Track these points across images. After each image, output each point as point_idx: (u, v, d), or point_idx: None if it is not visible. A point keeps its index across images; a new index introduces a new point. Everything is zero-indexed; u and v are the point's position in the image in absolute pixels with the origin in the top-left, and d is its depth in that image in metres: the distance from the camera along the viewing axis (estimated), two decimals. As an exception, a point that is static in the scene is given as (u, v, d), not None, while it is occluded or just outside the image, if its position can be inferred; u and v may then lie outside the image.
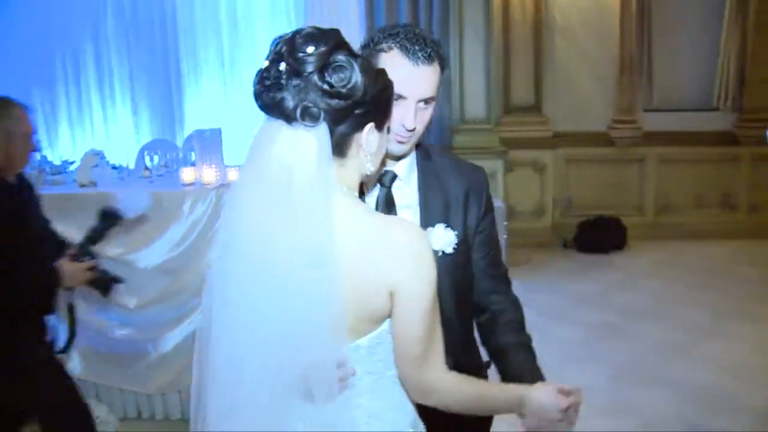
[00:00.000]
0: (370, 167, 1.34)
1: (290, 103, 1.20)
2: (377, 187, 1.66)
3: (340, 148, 1.27)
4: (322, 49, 1.21)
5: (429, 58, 1.50)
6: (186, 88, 5.79)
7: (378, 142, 1.34)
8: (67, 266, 2.49)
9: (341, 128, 1.25)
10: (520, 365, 1.65)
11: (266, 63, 1.25)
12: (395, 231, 1.30)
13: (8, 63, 6.01)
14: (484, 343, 1.78)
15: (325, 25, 1.31)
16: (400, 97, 1.49)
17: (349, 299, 1.25)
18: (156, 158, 3.85)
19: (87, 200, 3.53)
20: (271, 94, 1.22)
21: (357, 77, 1.22)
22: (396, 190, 1.66)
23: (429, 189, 1.67)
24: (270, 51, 1.25)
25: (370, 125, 1.30)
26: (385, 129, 1.38)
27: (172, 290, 3.35)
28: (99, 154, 3.71)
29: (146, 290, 3.35)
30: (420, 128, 1.56)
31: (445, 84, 5.83)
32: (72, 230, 3.44)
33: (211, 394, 1.26)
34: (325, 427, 1.32)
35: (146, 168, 3.83)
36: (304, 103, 1.20)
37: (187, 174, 3.54)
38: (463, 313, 1.72)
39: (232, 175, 3.48)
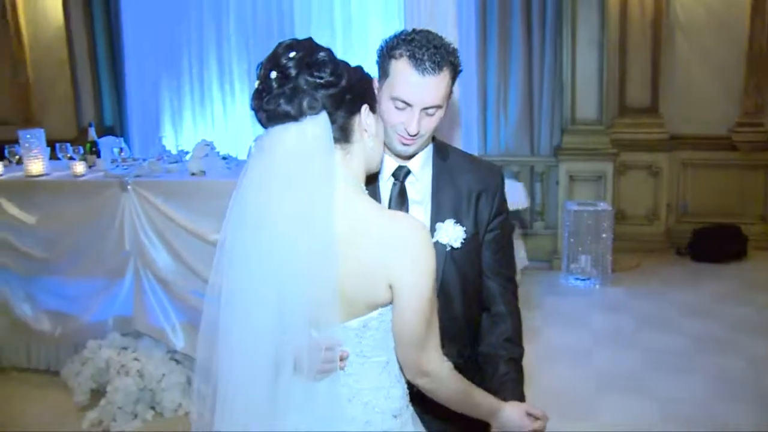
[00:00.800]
0: (371, 145, 1.44)
1: (289, 103, 1.33)
2: (391, 182, 1.74)
3: (344, 132, 1.39)
4: (302, 52, 1.34)
5: (437, 68, 1.55)
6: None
7: (375, 124, 1.45)
8: None
9: (340, 114, 1.37)
10: (502, 378, 1.71)
11: (257, 83, 1.37)
12: (397, 225, 1.38)
13: (141, 59, 6.52)
14: (478, 341, 1.82)
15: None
16: (406, 103, 1.58)
17: (347, 284, 1.35)
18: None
19: (195, 187, 3.80)
20: (270, 105, 1.34)
21: (339, 67, 1.36)
22: (409, 185, 1.73)
23: (441, 185, 1.73)
24: (257, 74, 1.39)
25: (365, 107, 1.42)
26: (376, 113, 1.48)
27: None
28: (209, 145, 3.94)
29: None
30: (426, 132, 1.63)
31: (555, 84, 5.76)
32: (181, 213, 3.74)
33: (219, 370, 1.38)
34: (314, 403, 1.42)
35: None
36: (301, 98, 1.33)
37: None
38: (469, 307, 1.77)
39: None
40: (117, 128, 6.76)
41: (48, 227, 4.04)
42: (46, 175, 4.18)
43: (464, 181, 1.74)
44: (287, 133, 1.33)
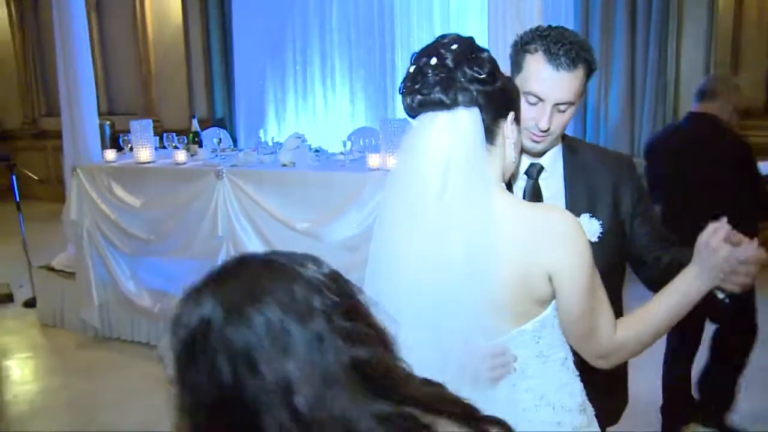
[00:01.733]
0: (513, 155, 1.40)
1: (444, 92, 1.29)
2: (524, 179, 1.70)
3: (489, 134, 1.34)
4: (464, 46, 1.32)
5: (571, 64, 1.53)
6: (398, 80, 6.12)
7: (517, 134, 1.41)
8: None
9: (489, 114, 1.32)
10: (681, 253, 1.57)
11: (412, 69, 1.34)
12: (549, 216, 1.34)
13: (248, 55, 6.83)
14: (653, 290, 1.64)
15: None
16: (538, 98, 1.55)
17: (511, 286, 1.30)
18: (348, 144, 4.16)
19: (285, 178, 3.98)
20: (424, 90, 1.30)
21: (496, 69, 1.33)
22: (542, 181, 1.70)
23: (574, 180, 1.70)
24: (413, 60, 1.35)
25: (512, 114, 1.37)
26: (519, 123, 1.44)
27: (351, 266, 3.65)
28: (300, 138, 4.09)
29: (330, 263, 3.67)
30: (556, 129, 1.60)
31: (659, 81, 5.53)
32: (270, 201, 3.92)
33: None
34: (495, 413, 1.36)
35: (341, 153, 4.17)
36: (457, 89, 1.29)
37: (373, 160, 3.82)
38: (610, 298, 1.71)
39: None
40: (226, 120, 7.13)
41: (151, 211, 4.35)
42: (153, 162, 4.49)
43: (598, 174, 1.70)
44: (438, 119, 1.30)
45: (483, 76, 1.30)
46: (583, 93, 1.61)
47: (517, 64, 1.59)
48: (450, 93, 1.29)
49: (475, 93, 1.29)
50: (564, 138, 1.73)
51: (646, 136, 5.74)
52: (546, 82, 1.53)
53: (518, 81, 1.56)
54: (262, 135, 5.29)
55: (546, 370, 1.40)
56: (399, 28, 6.05)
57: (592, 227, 1.63)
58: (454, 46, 1.31)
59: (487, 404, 1.22)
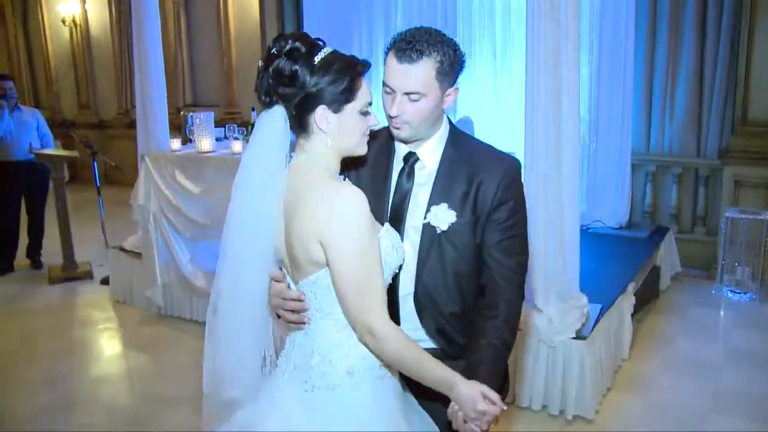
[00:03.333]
0: (330, 141, 1.64)
1: (259, 90, 1.64)
2: (400, 165, 1.87)
3: (301, 124, 1.63)
4: (274, 50, 1.62)
5: (414, 57, 1.66)
6: (460, 78, 6.18)
7: (337, 122, 1.62)
8: None
9: (294, 108, 1.61)
10: (479, 359, 1.73)
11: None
12: (337, 194, 1.57)
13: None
14: (468, 322, 1.85)
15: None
16: (390, 88, 1.72)
17: (297, 244, 1.60)
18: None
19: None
20: (256, 87, 1.66)
21: (300, 72, 1.58)
22: (417, 170, 1.85)
23: (445, 172, 1.81)
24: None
25: (322, 107, 1.60)
26: (350, 111, 1.63)
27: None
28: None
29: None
30: (411, 118, 1.73)
31: (729, 80, 5.32)
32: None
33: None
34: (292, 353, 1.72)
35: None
36: (267, 89, 1.62)
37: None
38: (461, 290, 1.83)
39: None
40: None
41: (209, 197, 4.61)
42: (213, 152, 4.77)
43: (470, 168, 1.80)
44: (259, 122, 1.69)
45: (283, 79, 1.59)
46: (442, 85, 1.72)
47: (384, 64, 1.74)
48: (264, 91, 1.64)
49: (279, 92, 1.61)
50: (452, 133, 1.87)
51: (713, 139, 5.56)
52: (392, 74, 1.70)
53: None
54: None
55: (324, 325, 1.66)
56: (461, 28, 6.10)
57: (445, 216, 1.77)
58: (273, 50, 1.62)
59: (291, 343, 1.73)
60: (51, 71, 11.28)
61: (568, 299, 3.57)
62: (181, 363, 4.35)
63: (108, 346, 4.81)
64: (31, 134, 6.22)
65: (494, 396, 1.61)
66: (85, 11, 10.50)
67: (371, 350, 1.61)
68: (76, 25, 10.62)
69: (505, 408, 1.64)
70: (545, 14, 3.38)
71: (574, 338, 3.48)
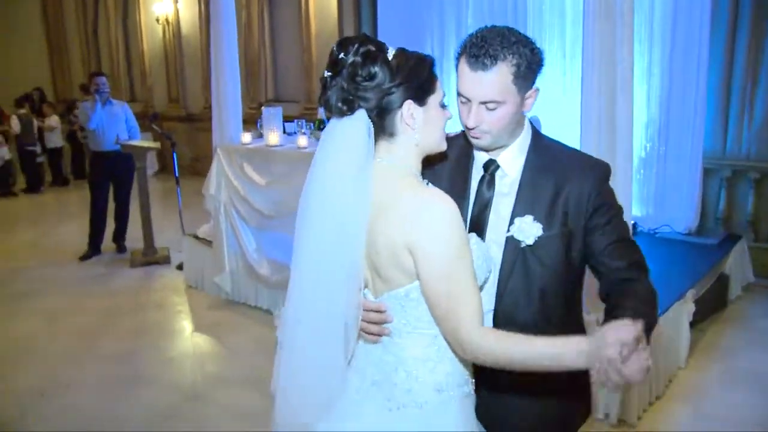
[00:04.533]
0: (418, 138, 1.54)
1: (333, 99, 1.52)
2: (481, 173, 1.75)
3: (384, 126, 1.53)
4: (342, 56, 1.52)
5: (488, 63, 1.55)
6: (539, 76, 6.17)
7: (423, 116, 1.53)
8: None
9: (377, 110, 1.51)
10: (622, 305, 1.54)
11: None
12: (426, 200, 1.47)
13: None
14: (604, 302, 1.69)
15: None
16: (466, 98, 1.62)
17: (384, 252, 1.49)
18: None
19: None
20: (324, 97, 1.54)
21: (377, 68, 1.50)
22: (499, 178, 1.74)
23: (529, 180, 1.70)
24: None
25: (408, 102, 1.51)
26: (433, 103, 1.55)
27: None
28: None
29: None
30: (491, 127, 1.63)
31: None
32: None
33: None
34: (368, 366, 1.59)
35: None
36: (342, 95, 1.51)
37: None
38: (546, 305, 1.70)
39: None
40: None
41: (275, 189, 4.80)
42: (280, 145, 4.95)
43: (557, 176, 1.69)
44: (332, 134, 1.54)
45: (362, 78, 1.50)
46: (521, 90, 1.60)
47: (456, 70, 1.65)
48: (338, 99, 1.52)
49: (359, 95, 1.50)
50: (537, 138, 1.76)
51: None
52: (467, 83, 1.59)
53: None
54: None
55: (411, 339, 1.54)
56: (531, 27, 6.07)
57: (530, 229, 1.66)
58: (341, 54, 1.52)
59: (366, 357, 1.59)
60: (145, 67, 11.93)
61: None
62: (243, 346, 4.57)
63: (178, 327, 5.09)
64: (119, 126, 6.63)
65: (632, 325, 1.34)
66: (177, 11, 11.03)
67: (483, 364, 1.48)
68: (168, 23, 11.19)
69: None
70: (600, 13, 3.37)
71: (620, 342, 3.43)
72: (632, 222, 5.51)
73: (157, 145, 6.68)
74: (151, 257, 6.47)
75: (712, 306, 4.68)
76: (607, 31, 3.35)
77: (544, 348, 1.38)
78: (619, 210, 1.73)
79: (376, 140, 1.54)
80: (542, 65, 1.62)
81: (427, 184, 1.61)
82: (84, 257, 6.72)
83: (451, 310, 1.44)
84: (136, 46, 12.10)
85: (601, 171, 1.72)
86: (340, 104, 1.51)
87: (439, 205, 1.45)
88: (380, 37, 5.67)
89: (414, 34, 6.89)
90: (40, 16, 14.54)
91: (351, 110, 1.51)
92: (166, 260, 6.47)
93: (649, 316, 1.53)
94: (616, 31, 3.36)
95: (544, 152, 1.74)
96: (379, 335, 1.56)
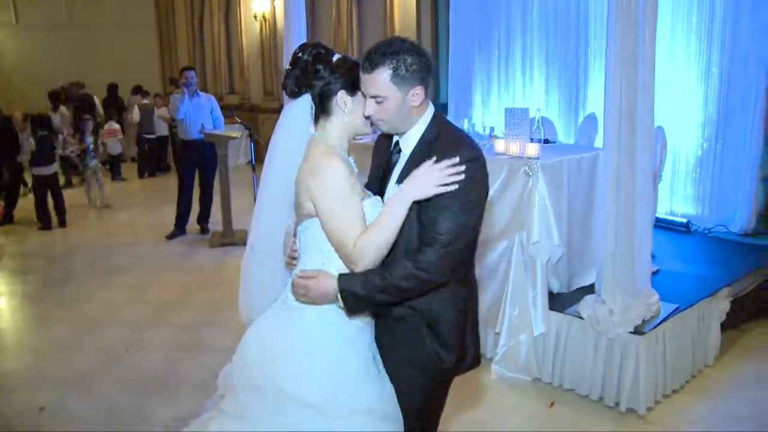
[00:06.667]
0: (347, 119, 2.10)
1: (289, 84, 2.14)
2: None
3: (324, 108, 2.10)
4: (300, 55, 2.13)
5: (371, 67, 2.00)
6: (591, 73, 6.22)
7: (352, 103, 2.09)
8: None
9: (319, 95, 2.10)
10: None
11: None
12: (321, 161, 2.01)
13: (461, 47, 7.37)
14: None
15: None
16: (364, 94, 2.09)
17: (297, 195, 2.07)
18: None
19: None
20: (284, 83, 2.17)
21: (321, 65, 2.09)
22: (400, 154, 2.18)
23: (412, 157, 2.11)
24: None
25: (342, 92, 2.09)
26: (360, 96, 2.08)
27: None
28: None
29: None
30: (381, 116, 2.06)
31: None
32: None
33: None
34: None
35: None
36: (296, 82, 2.12)
37: (499, 145, 4.18)
38: (403, 254, 2.07)
39: (532, 150, 3.99)
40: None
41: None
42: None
43: (429, 152, 2.04)
44: (288, 109, 2.19)
45: (310, 73, 2.08)
46: (401, 88, 2.00)
47: None
48: (293, 85, 2.15)
49: (307, 84, 2.09)
50: (435, 123, 2.13)
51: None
52: (362, 83, 2.07)
53: None
54: (465, 123, 5.77)
55: (305, 261, 2.11)
56: (593, 25, 6.09)
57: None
58: (300, 54, 2.12)
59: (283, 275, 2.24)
60: (244, 61, 12.64)
61: (636, 295, 3.63)
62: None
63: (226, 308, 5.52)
64: (205, 117, 7.18)
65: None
66: (274, 7, 11.62)
67: (369, 265, 1.99)
68: (265, 19, 11.81)
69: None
70: (623, 13, 3.47)
71: (632, 333, 3.54)
72: (685, 220, 5.51)
73: (236, 134, 7.15)
74: (229, 238, 6.99)
75: (756, 307, 4.61)
76: (629, 30, 3.45)
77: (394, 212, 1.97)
78: (467, 194, 1.99)
79: (317, 118, 2.13)
80: (427, 69, 2.04)
81: (349, 156, 2.16)
82: (170, 236, 7.36)
83: (341, 239, 1.99)
84: (236, 41, 12.84)
85: (462, 155, 1.99)
86: (294, 88, 2.12)
87: (328, 165, 2.00)
88: (451, 31, 6.15)
89: (482, 32, 7.07)
90: (153, 12, 15.70)
91: (300, 93, 2.12)
92: (243, 241, 6.88)
93: (365, 283, 1.98)
94: (638, 30, 3.45)
95: (433, 134, 2.13)
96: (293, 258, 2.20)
